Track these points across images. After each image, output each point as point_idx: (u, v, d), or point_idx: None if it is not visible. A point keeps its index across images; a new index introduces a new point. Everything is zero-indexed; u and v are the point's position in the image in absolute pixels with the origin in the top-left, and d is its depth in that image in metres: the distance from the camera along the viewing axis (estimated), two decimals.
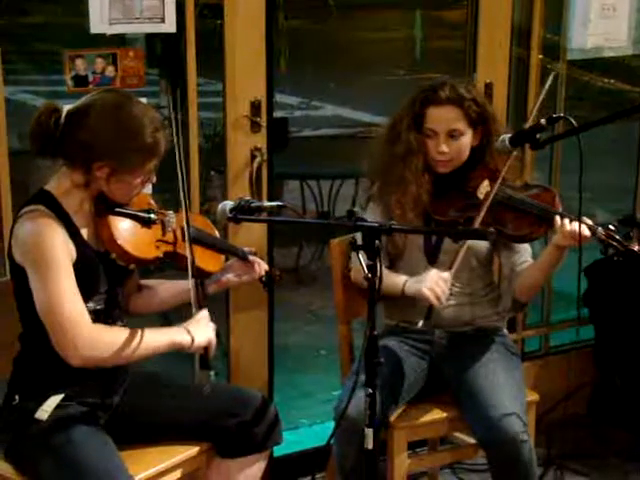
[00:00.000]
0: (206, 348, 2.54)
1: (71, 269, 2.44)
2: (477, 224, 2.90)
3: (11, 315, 2.59)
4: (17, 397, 2.56)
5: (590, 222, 2.84)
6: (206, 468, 2.78)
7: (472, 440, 3.14)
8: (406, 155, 3.01)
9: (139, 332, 2.50)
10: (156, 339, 2.53)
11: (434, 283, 2.85)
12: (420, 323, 2.88)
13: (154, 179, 2.61)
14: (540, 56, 3.82)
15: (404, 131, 3.01)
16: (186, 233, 2.59)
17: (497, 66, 3.73)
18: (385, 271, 2.89)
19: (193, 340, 2.53)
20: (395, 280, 2.97)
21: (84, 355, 2.42)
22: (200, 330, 2.55)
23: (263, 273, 2.89)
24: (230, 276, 2.87)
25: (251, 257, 2.87)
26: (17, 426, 2.55)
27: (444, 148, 2.98)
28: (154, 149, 2.51)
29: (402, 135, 3.01)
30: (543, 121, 2.76)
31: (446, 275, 2.89)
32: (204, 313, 2.60)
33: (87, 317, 2.45)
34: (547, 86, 3.04)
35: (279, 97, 5.28)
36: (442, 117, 2.98)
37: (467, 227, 2.94)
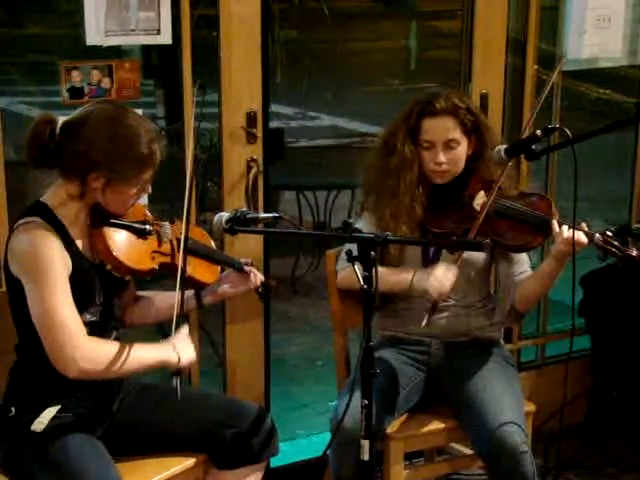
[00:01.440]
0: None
1: (67, 281, 2.43)
2: (472, 235, 2.90)
3: (7, 326, 2.59)
4: (13, 409, 2.55)
5: (587, 229, 2.84)
6: (203, 479, 2.78)
7: (469, 451, 3.15)
8: (400, 168, 3.01)
9: (131, 347, 2.50)
10: (146, 355, 2.54)
11: (440, 281, 2.86)
12: (424, 322, 2.89)
13: (149, 189, 2.61)
14: (535, 66, 3.83)
15: (399, 144, 3.01)
16: (182, 245, 2.59)
17: (492, 76, 3.73)
18: (387, 269, 2.91)
19: (179, 359, 2.55)
20: (402, 276, 2.96)
21: (82, 367, 2.42)
22: (185, 350, 2.57)
23: (259, 284, 2.89)
24: (226, 287, 2.87)
25: (247, 268, 2.87)
26: (13, 438, 2.54)
27: (442, 158, 2.98)
28: (149, 160, 2.51)
29: (397, 148, 3.01)
30: (538, 132, 2.77)
31: (453, 269, 2.89)
32: (186, 329, 2.61)
33: (83, 330, 2.45)
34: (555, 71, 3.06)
35: (275, 108, 5.28)
36: (438, 128, 2.98)
37: (462, 238, 2.94)
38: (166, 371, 2.57)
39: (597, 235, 2.81)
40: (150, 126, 2.55)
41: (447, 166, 3.00)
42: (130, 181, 2.50)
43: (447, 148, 2.99)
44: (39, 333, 2.42)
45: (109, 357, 2.45)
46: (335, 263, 3.14)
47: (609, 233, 2.81)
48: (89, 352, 2.43)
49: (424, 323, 2.89)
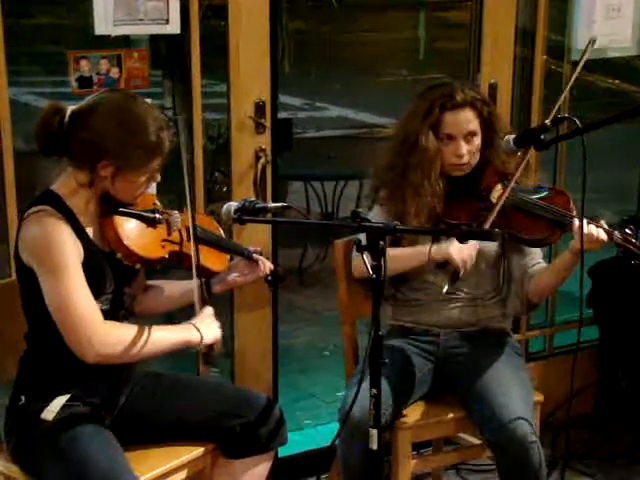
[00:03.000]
0: (211, 345, 2.58)
1: (80, 268, 2.44)
2: (487, 226, 2.89)
3: (17, 315, 2.59)
4: (23, 398, 2.56)
5: (606, 226, 2.84)
6: (211, 468, 2.79)
7: (477, 440, 3.15)
8: (424, 163, 2.98)
9: (150, 329, 2.50)
10: (167, 336, 2.54)
11: (461, 247, 2.85)
12: (445, 288, 2.89)
13: (158, 178, 2.61)
14: (544, 57, 3.82)
15: (422, 139, 2.98)
16: (191, 232, 2.60)
17: (501, 67, 3.73)
18: (399, 249, 2.94)
19: (202, 338, 2.55)
20: (419, 248, 2.96)
21: (100, 352, 2.43)
22: (208, 327, 2.58)
23: (268, 272, 2.90)
24: (235, 275, 2.88)
25: (255, 256, 2.88)
26: (23, 427, 2.55)
27: (464, 150, 2.97)
28: (158, 148, 2.51)
29: (419, 144, 2.98)
30: (548, 122, 2.76)
31: (473, 243, 2.89)
32: (210, 310, 2.62)
33: (100, 314, 2.46)
34: (586, 53, 3.03)
35: (283, 98, 5.29)
36: (460, 120, 2.97)
37: (472, 227, 2.93)
38: (190, 350, 2.56)
39: (616, 233, 2.82)
40: (158, 114, 2.55)
41: (467, 158, 3.00)
42: (139, 169, 2.51)
43: (467, 140, 2.99)
44: (55, 320, 2.43)
45: (127, 340, 2.46)
46: (343, 253, 3.14)
47: (628, 231, 2.81)
48: (106, 336, 2.44)
49: (445, 289, 2.88)
